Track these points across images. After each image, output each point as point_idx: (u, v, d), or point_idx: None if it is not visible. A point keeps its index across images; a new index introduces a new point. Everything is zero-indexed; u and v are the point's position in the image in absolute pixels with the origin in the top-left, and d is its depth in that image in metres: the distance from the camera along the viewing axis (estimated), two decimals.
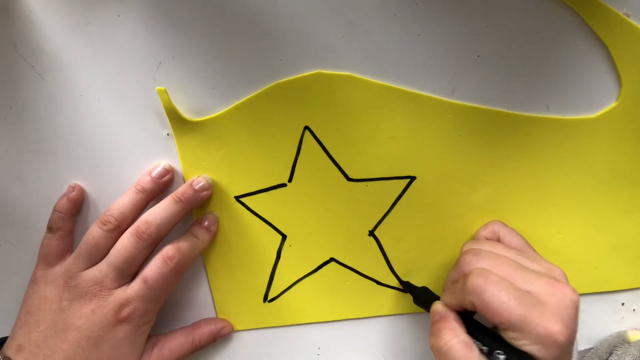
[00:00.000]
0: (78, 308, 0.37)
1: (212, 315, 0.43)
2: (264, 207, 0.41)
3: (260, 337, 0.44)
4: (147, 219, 0.38)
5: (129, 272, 0.38)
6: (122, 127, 0.40)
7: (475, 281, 0.33)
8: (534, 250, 0.38)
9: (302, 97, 0.39)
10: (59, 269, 0.39)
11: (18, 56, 0.39)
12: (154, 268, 0.38)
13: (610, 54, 0.37)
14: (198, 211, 0.41)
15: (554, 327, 0.31)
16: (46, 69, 0.39)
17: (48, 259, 0.39)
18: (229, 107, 0.39)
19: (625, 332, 0.42)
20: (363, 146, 0.40)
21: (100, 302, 0.37)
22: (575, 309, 0.33)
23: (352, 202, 0.41)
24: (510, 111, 0.39)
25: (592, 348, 0.43)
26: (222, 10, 0.37)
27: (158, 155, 0.40)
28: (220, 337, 0.43)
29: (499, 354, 0.32)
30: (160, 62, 0.39)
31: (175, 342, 0.41)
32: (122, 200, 0.39)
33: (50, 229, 0.40)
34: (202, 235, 0.40)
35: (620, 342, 0.42)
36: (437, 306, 0.36)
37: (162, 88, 0.38)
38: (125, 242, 0.38)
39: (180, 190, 0.39)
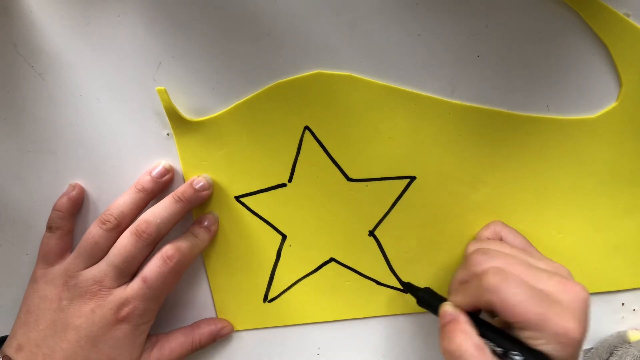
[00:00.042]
0: (77, 307, 0.37)
1: (212, 315, 0.43)
2: (264, 207, 0.41)
3: (260, 337, 0.44)
4: (147, 219, 0.38)
5: (128, 271, 0.38)
6: (122, 127, 0.40)
7: (493, 280, 0.33)
8: (537, 250, 0.38)
9: (302, 97, 0.39)
10: (59, 268, 0.39)
11: (18, 56, 0.39)
12: (153, 267, 0.38)
13: (610, 54, 0.37)
14: (198, 211, 0.41)
15: (570, 325, 0.31)
16: (46, 69, 0.39)
17: (48, 258, 0.39)
18: (229, 107, 0.39)
19: (625, 332, 0.42)
20: (363, 146, 0.40)
21: (99, 302, 0.37)
22: (587, 307, 0.33)
23: (352, 202, 0.41)
24: (510, 111, 0.39)
25: (592, 348, 0.43)
26: (222, 10, 0.37)
27: (158, 155, 0.40)
28: (220, 337, 0.43)
29: (515, 354, 0.32)
30: (160, 62, 0.39)
31: (175, 342, 0.41)
32: (122, 200, 0.39)
33: (49, 228, 0.40)
34: (202, 235, 0.40)
35: (620, 342, 0.42)
36: (447, 308, 0.36)
37: (162, 88, 0.38)
38: (125, 241, 0.38)
39: (180, 190, 0.39)
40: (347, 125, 0.39)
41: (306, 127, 0.40)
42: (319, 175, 0.40)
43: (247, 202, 0.41)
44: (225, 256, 0.42)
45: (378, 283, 0.42)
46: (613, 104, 0.38)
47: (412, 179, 0.40)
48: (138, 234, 0.37)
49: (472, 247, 0.38)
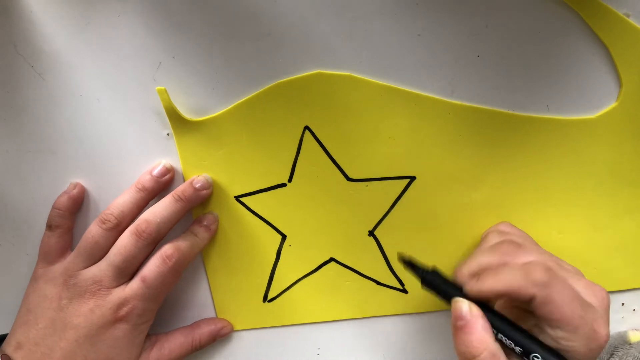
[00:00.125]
0: (77, 307, 0.37)
1: (212, 315, 0.43)
2: (264, 207, 0.41)
3: (260, 337, 0.44)
4: (147, 218, 0.38)
5: (128, 271, 0.38)
6: (122, 127, 0.40)
7: (543, 276, 0.32)
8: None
9: (302, 97, 0.39)
10: (59, 267, 0.39)
11: (18, 56, 0.39)
12: (152, 267, 0.38)
13: (610, 54, 0.37)
14: (198, 211, 0.41)
15: (603, 330, 0.32)
16: (46, 69, 0.39)
17: (48, 256, 0.39)
18: (229, 107, 0.39)
19: (625, 332, 0.42)
20: (363, 146, 0.40)
21: (98, 301, 0.37)
22: (609, 309, 0.34)
23: (352, 202, 0.41)
24: (510, 111, 0.39)
25: None
26: (222, 11, 0.37)
27: (158, 155, 0.40)
28: (220, 337, 0.43)
29: (536, 356, 0.32)
30: (160, 62, 0.39)
31: (175, 342, 0.41)
32: (122, 199, 0.39)
33: (49, 226, 0.40)
34: (202, 234, 0.40)
35: (620, 343, 0.42)
36: (463, 307, 0.34)
37: (162, 88, 0.38)
38: (125, 241, 0.38)
39: (180, 189, 0.39)
40: (347, 125, 0.39)
41: (306, 127, 0.40)
42: (318, 175, 0.40)
43: (247, 202, 0.41)
44: (225, 256, 0.42)
45: (378, 283, 0.42)
46: (613, 104, 0.38)
47: (412, 179, 0.40)
48: (138, 234, 0.37)
49: (496, 237, 0.38)
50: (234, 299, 0.43)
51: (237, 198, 0.41)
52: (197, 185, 0.39)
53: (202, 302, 0.43)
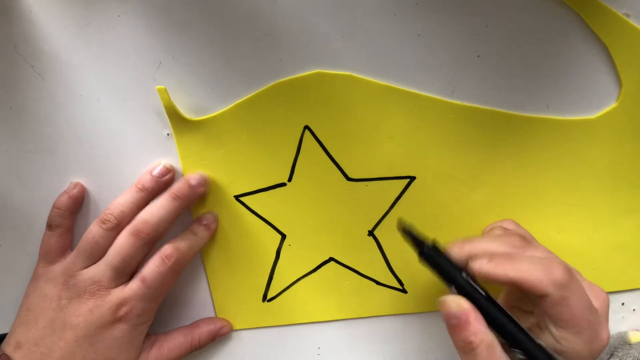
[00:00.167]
0: (76, 307, 0.37)
1: (211, 314, 0.43)
2: (264, 207, 0.41)
3: (260, 337, 0.44)
4: (144, 218, 0.38)
5: (126, 271, 0.38)
6: (122, 127, 0.40)
7: (564, 276, 0.31)
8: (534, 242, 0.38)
9: (302, 96, 0.39)
10: (59, 267, 0.39)
11: (18, 56, 0.39)
12: (152, 267, 0.38)
13: (610, 54, 0.37)
14: (198, 211, 0.41)
15: (604, 333, 0.32)
16: (46, 69, 0.39)
17: (48, 256, 0.39)
18: (229, 107, 0.39)
19: (625, 333, 0.42)
20: (363, 146, 0.40)
21: (97, 302, 0.37)
22: (609, 312, 0.34)
23: (351, 202, 0.41)
24: (510, 111, 0.39)
25: None
26: (222, 10, 0.37)
27: (158, 155, 0.40)
28: (220, 336, 0.43)
29: (517, 352, 0.32)
30: (161, 62, 0.39)
31: (174, 342, 0.41)
32: (122, 199, 0.39)
33: (49, 226, 0.40)
34: (202, 233, 0.40)
35: (621, 343, 0.42)
36: (452, 307, 0.32)
37: (162, 87, 0.38)
38: (123, 241, 0.38)
39: (176, 187, 0.39)
40: (347, 125, 0.39)
41: (306, 127, 0.40)
42: (318, 175, 0.40)
43: (246, 202, 0.41)
44: (225, 255, 0.42)
45: (377, 283, 0.42)
46: (613, 105, 0.38)
47: (412, 179, 0.40)
48: (136, 234, 0.37)
49: (500, 232, 0.37)
50: (234, 298, 0.43)
51: (236, 197, 0.41)
52: (193, 183, 0.39)
53: (202, 302, 0.43)
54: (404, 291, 0.42)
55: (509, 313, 0.33)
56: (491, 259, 0.33)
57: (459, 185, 0.40)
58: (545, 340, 0.32)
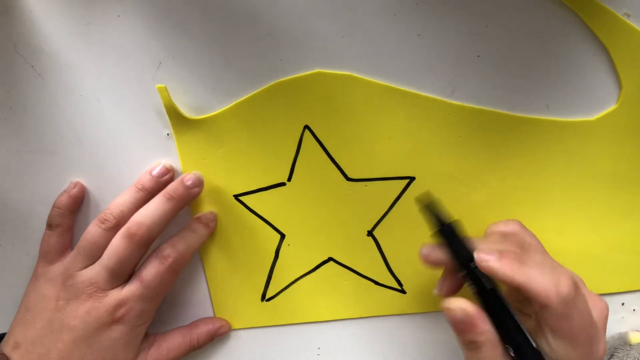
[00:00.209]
0: (74, 308, 0.37)
1: (210, 313, 0.43)
2: (263, 206, 0.41)
3: (260, 337, 0.44)
4: (138, 220, 0.38)
5: (123, 273, 0.38)
6: (122, 127, 0.40)
7: (570, 290, 0.30)
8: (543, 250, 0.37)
9: (302, 96, 0.39)
10: (59, 267, 0.39)
11: (18, 56, 0.39)
12: (150, 268, 0.38)
13: (610, 55, 0.37)
14: (197, 211, 0.41)
15: (601, 346, 0.32)
16: (46, 69, 0.39)
17: (48, 255, 0.39)
18: (229, 106, 0.39)
19: (626, 333, 0.42)
20: (362, 146, 0.40)
21: (95, 303, 0.37)
22: (607, 323, 0.33)
23: (351, 202, 0.41)
24: (510, 112, 0.39)
25: None
26: (222, 10, 0.37)
27: (158, 155, 0.40)
28: (218, 336, 0.43)
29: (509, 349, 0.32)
30: (161, 62, 0.39)
31: (173, 342, 0.41)
32: (121, 199, 0.39)
33: (49, 225, 0.40)
34: (200, 231, 0.40)
35: (621, 344, 0.41)
36: (457, 315, 0.32)
37: (162, 85, 0.38)
38: (117, 243, 0.37)
39: (171, 188, 0.39)
40: (346, 125, 0.39)
41: (306, 127, 0.40)
42: (318, 175, 0.40)
43: (246, 201, 0.41)
44: (224, 255, 0.42)
45: (376, 283, 0.42)
46: (613, 106, 0.38)
47: (412, 179, 0.40)
48: (129, 236, 0.37)
49: (497, 237, 0.37)
50: (232, 297, 0.43)
51: (236, 197, 0.41)
52: (188, 183, 0.39)
53: (201, 301, 0.43)
54: (402, 291, 0.42)
55: (511, 311, 0.32)
56: (501, 257, 0.32)
57: (459, 185, 0.40)
58: (540, 346, 0.32)
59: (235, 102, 0.39)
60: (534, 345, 0.32)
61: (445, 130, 0.39)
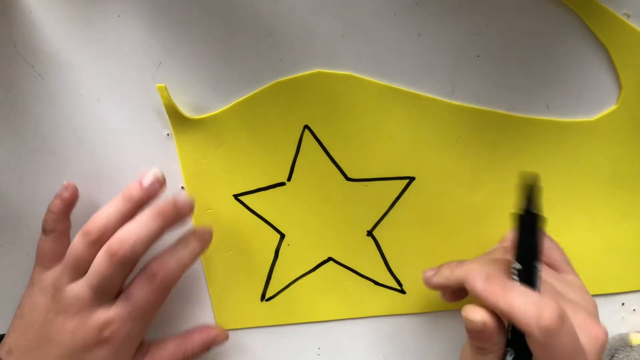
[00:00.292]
0: (62, 322, 0.36)
1: (210, 313, 0.43)
2: (263, 206, 0.41)
3: (259, 337, 0.44)
4: (121, 237, 0.35)
5: (108, 291, 0.36)
6: (122, 127, 0.40)
7: (552, 322, 0.29)
8: (573, 270, 0.36)
9: (302, 96, 0.39)
10: (51, 276, 0.37)
11: (18, 56, 0.39)
12: (137, 286, 0.36)
13: (610, 55, 0.37)
14: (197, 210, 0.41)
15: None
16: (46, 69, 0.39)
17: (43, 261, 0.38)
18: (229, 105, 0.39)
19: (627, 334, 0.42)
20: (362, 146, 0.40)
21: (81, 320, 0.36)
22: (602, 351, 0.32)
23: (350, 202, 0.41)
24: (509, 112, 0.39)
25: None
26: (222, 10, 0.37)
27: (158, 155, 0.40)
28: (214, 346, 0.42)
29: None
30: (161, 62, 0.39)
31: (167, 352, 0.40)
32: (106, 210, 0.37)
33: (44, 230, 0.38)
34: (194, 247, 0.38)
35: (622, 345, 0.41)
36: (479, 325, 0.31)
37: (162, 85, 0.38)
38: (100, 260, 0.35)
39: (161, 205, 0.37)
40: (346, 125, 0.39)
41: (306, 126, 0.40)
42: (318, 175, 0.40)
43: (245, 201, 0.41)
44: (223, 254, 0.42)
45: (376, 283, 0.42)
46: (613, 106, 0.38)
47: (411, 179, 0.40)
48: (111, 254, 0.35)
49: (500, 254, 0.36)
50: (232, 297, 0.43)
51: (235, 197, 0.41)
52: (179, 204, 0.37)
53: (200, 301, 0.43)
54: (402, 292, 0.42)
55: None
56: (488, 280, 0.32)
57: (459, 185, 0.40)
58: None
59: (235, 101, 0.39)
60: None
61: (445, 130, 0.39)
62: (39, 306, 0.37)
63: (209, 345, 0.42)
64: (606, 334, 0.32)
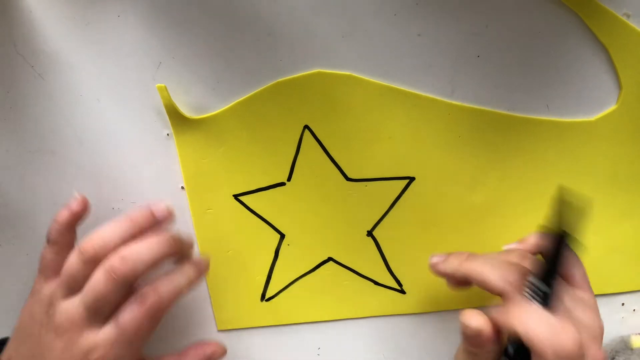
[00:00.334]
0: (52, 339, 0.35)
1: (209, 313, 0.43)
2: (263, 206, 0.41)
3: (259, 337, 0.44)
4: (123, 255, 0.34)
5: (102, 311, 0.34)
6: (122, 127, 0.40)
7: (571, 349, 0.29)
8: (589, 288, 0.35)
9: (302, 96, 0.39)
10: (48, 289, 0.37)
11: (18, 56, 0.39)
12: (128, 311, 0.35)
13: (610, 55, 0.37)
14: (197, 210, 0.41)
15: None
16: (46, 69, 0.39)
17: (45, 271, 0.37)
18: (229, 105, 0.39)
19: (628, 337, 0.42)
20: (362, 146, 0.40)
21: (71, 340, 0.35)
22: None
23: (350, 202, 0.41)
24: (509, 112, 0.39)
25: None
26: (222, 10, 0.37)
27: (158, 155, 0.40)
28: None
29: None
30: (161, 62, 0.39)
31: None
32: (107, 229, 0.35)
33: (47, 240, 0.38)
34: (191, 275, 0.37)
35: (622, 347, 0.41)
36: (473, 330, 0.31)
37: (162, 85, 0.38)
38: (97, 278, 0.34)
39: (169, 235, 0.36)
40: (346, 125, 0.39)
41: (306, 126, 0.40)
42: (318, 175, 0.40)
43: (245, 201, 0.41)
44: (223, 254, 0.42)
45: (376, 283, 0.42)
46: (613, 107, 0.38)
47: (411, 179, 0.40)
48: (109, 272, 0.34)
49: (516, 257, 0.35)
50: (232, 297, 0.43)
51: (235, 197, 0.41)
52: (187, 242, 0.38)
53: (200, 301, 0.43)
54: (402, 292, 0.42)
55: None
56: (506, 301, 0.31)
57: (459, 186, 0.40)
58: None
59: (235, 101, 0.39)
60: None
61: (445, 130, 0.39)
62: (35, 318, 0.36)
63: None
64: (605, 358, 0.32)
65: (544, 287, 0.32)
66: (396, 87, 0.38)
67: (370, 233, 0.41)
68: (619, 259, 0.41)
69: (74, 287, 0.35)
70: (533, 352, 0.29)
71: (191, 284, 0.37)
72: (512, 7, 0.37)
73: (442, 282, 0.42)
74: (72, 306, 0.35)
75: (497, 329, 0.31)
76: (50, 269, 0.37)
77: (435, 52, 0.38)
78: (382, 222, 0.41)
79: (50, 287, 0.37)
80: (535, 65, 0.38)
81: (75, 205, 0.38)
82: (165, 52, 0.38)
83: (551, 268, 0.33)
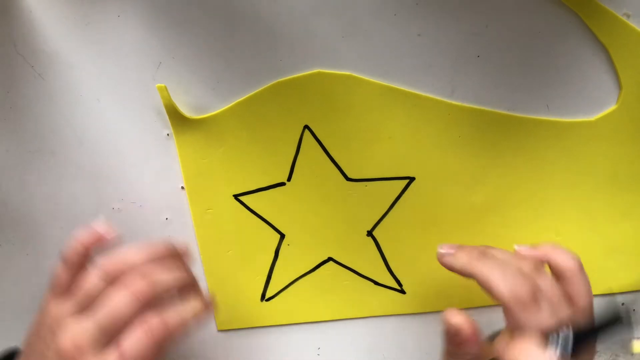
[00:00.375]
0: None
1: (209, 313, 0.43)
2: (263, 206, 0.41)
3: (259, 337, 0.44)
4: (150, 278, 0.34)
5: (113, 332, 0.33)
6: (122, 127, 0.40)
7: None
8: (583, 278, 0.35)
9: (302, 96, 0.39)
10: (56, 310, 0.35)
11: (18, 56, 0.39)
12: (132, 339, 0.33)
13: (610, 55, 0.37)
14: (197, 210, 0.41)
15: None
16: (46, 69, 0.39)
17: (55, 289, 0.36)
18: (229, 105, 0.39)
19: (629, 339, 0.42)
20: (362, 146, 0.40)
21: None
22: None
23: (350, 202, 0.41)
24: (509, 112, 0.39)
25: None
26: (222, 10, 0.37)
27: (158, 155, 0.40)
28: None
29: None
30: (161, 62, 0.39)
31: None
32: (130, 252, 0.35)
33: (63, 259, 0.36)
34: (198, 309, 0.36)
35: (623, 351, 0.41)
36: (453, 328, 0.33)
37: (162, 85, 0.38)
38: (120, 299, 0.33)
39: (197, 282, 0.36)
40: (346, 125, 0.39)
41: (306, 126, 0.40)
42: (318, 175, 0.40)
43: (245, 201, 0.41)
44: (223, 255, 0.42)
45: (376, 283, 0.42)
46: (613, 107, 0.38)
47: (411, 179, 0.40)
48: (135, 293, 0.33)
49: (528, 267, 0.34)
50: (232, 297, 0.43)
51: (235, 197, 0.41)
52: (201, 289, 0.37)
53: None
54: (402, 292, 0.42)
55: None
56: (523, 331, 0.31)
57: (458, 186, 0.40)
58: None
59: (235, 101, 0.39)
60: None
61: (445, 130, 0.39)
62: (40, 335, 0.35)
63: None
64: None
65: (570, 344, 0.31)
66: (396, 87, 0.38)
67: (370, 233, 0.41)
68: (619, 259, 0.41)
69: (86, 305, 0.34)
70: None
71: (198, 319, 0.36)
72: (512, 7, 0.37)
73: (442, 282, 0.42)
74: (80, 330, 0.33)
75: (476, 331, 0.32)
76: (60, 287, 0.36)
77: (435, 52, 0.38)
78: (382, 222, 0.41)
79: (58, 309, 0.35)
80: (535, 65, 0.38)
81: (100, 230, 0.36)
82: (165, 52, 0.38)
83: (591, 334, 0.32)
